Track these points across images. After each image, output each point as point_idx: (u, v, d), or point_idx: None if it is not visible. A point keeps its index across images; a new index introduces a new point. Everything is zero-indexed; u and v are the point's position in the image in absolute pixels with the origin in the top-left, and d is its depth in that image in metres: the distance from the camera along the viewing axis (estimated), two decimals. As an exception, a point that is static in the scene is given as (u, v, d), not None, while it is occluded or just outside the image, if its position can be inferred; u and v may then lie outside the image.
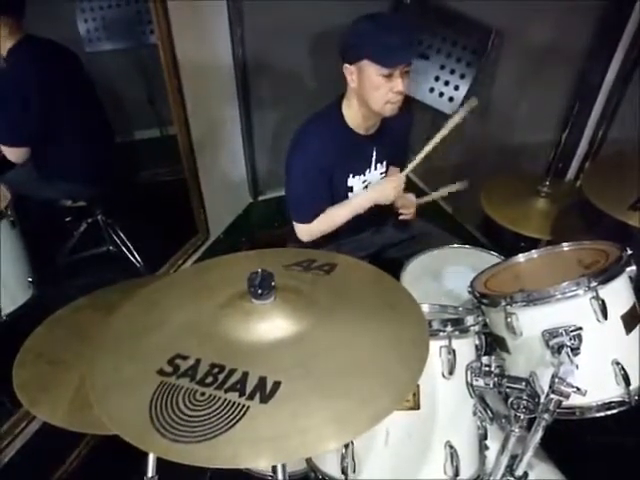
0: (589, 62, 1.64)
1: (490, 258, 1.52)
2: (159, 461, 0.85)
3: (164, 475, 0.87)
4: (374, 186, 1.55)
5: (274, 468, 0.73)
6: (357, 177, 1.52)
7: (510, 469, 0.98)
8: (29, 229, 1.49)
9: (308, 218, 1.50)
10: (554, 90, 1.78)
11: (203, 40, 1.98)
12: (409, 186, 1.60)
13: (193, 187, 2.10)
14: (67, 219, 2.05)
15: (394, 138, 1.56)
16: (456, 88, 1.96)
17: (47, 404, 0.92)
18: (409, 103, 1.58)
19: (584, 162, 1.76)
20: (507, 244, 1.71)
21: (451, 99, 1.98)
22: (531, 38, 1.80)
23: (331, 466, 0.94)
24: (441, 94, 2.00)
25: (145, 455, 0.84)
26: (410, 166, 1.54)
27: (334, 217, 1.52)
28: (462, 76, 1.94)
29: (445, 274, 1.56)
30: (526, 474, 0.99)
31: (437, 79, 2.00)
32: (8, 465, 1.43)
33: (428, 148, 1.50)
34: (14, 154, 1.71)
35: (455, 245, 1.60)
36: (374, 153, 1.53)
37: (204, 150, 2.09)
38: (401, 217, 1.66)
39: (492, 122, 2.06)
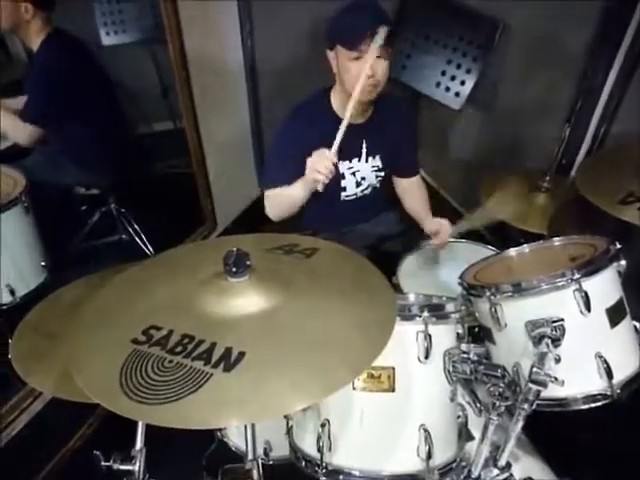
0: (593, 58, 1.63)
1: (488, 252, 1.52)
2: (157, 456, 0.90)
3: (161, 468, 0.92)
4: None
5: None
6: (345, 162, 1.52)
7: (494, 460, 0.99)
8: (44, 215, 1.54)
9: (268, 185, 1.50)
10: (558, 86, 1.77)
11: (213, 35, 2.02)
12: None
13: (201, 179, 2.15)
14: (83, 207, 2.11)
15: (386, 134, 1.53)
16: (462, 83, 1.95)
17: (40, 374, 0.97)
18: (399, 103, 1.57)
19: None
20: (508, 239, 1.70)
21: (457, 94, 1.97)
22: (535, 34, 1.79)
23: (309, 446, 0.96)
24: (447, 89, 1.99)
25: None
26: None
27: (287, 191, 1.46)
28: (468, 71, 1.93)
29: (442, 267, 1.57)
30: (509, 464, 0.99)
31: (444, 74, 1.99)
32: (15, 439, 1.49)
33: None
34: (27, 132, 1.69)
35: (452, 239, 1.59)
36: (364, 144, 1.52)
37: (213, 143, 2.13)
38: (433, 242, 1.56)
39: (497, 117, 2.05)
